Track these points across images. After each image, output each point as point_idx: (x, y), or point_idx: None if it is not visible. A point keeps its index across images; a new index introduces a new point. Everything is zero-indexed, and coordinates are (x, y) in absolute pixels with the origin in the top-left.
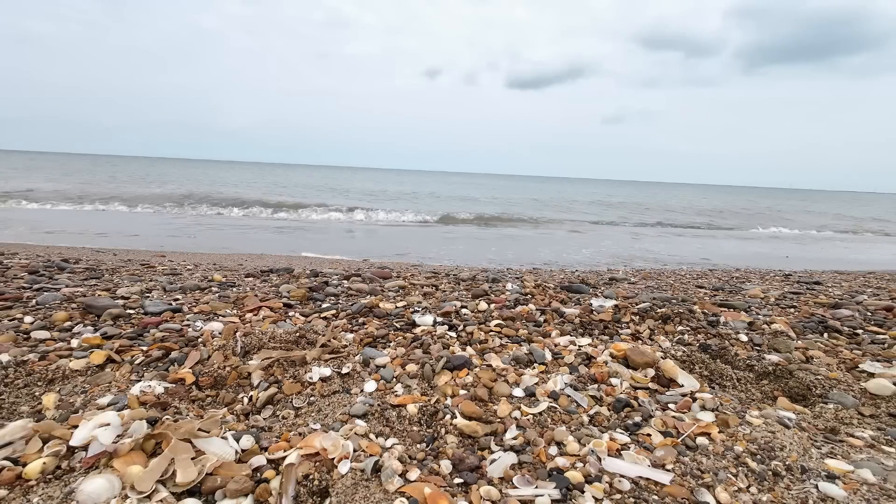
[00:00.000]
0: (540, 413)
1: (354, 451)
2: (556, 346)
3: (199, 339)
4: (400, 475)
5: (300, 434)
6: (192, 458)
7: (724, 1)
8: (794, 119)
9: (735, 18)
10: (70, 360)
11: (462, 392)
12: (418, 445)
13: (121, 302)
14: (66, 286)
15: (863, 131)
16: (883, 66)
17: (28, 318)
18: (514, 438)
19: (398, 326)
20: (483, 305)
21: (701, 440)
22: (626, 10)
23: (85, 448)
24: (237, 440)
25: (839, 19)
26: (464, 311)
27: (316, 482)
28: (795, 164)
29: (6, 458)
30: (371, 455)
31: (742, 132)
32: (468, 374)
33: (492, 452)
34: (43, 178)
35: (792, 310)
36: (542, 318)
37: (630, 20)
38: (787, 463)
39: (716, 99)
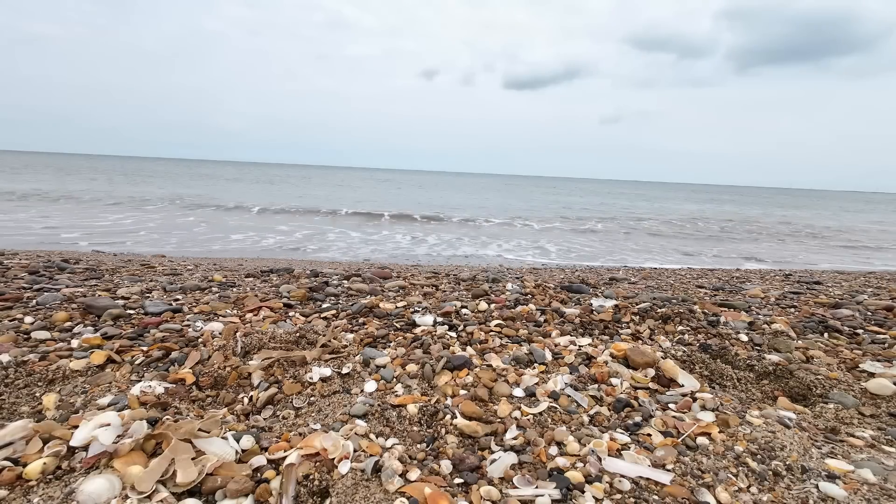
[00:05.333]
0: (540, 413)
1: (354, 451)
2: (556, 346)
3: (200, 340)
4: (400, 475)
5: (300, 434)
6: (193, 459)
7: (714, 4)
8: (790, 119)
9: (725, 21)
10: (70, 361)
11: (462, 392)
12: (418, 445)
13: (121, 302)
14: (67, 286)
15: (859, 131)
16: (874, 68)
17: (28, 319)
18: (515, 438)
19: (398, 326)
20: (483, 305)
21: (701, 440)
22: (620, 12)
23: (85, 448)
24: (237, 440)
25: (828, 21)
26: (464, 311)
27: (316, 482)
28: (795, 164)
29: (6, 459)
30: (371, 455)
31: (739, 132)
32: (468, 374)
33: (492, 452)
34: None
35: (792, 309)
36: (542, 318)
37: (624, 22)
38: (787, 463)
39: (711, 99)
